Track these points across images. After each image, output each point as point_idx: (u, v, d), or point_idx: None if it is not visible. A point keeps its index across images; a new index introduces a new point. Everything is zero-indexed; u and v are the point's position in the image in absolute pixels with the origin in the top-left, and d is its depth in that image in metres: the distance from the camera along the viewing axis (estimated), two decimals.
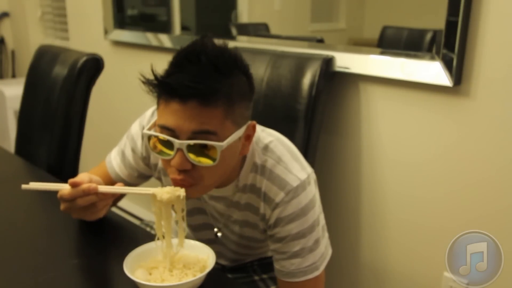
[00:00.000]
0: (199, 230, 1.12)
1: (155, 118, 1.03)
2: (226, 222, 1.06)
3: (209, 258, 0.91)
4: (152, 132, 0.87)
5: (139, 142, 1.07)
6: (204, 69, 0.82)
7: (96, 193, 0.89)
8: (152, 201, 0.88)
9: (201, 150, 0.84)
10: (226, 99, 0.83)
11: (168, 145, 0.85)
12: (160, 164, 1.07)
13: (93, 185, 0.89)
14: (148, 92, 0.86)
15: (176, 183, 0.88)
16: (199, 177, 0.87)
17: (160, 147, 0.87)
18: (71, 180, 0.89)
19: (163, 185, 1.10)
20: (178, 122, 0.83)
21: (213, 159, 0.84)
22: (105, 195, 0.91)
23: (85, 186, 0.88)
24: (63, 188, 0.91)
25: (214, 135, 0.83)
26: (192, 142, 0.83)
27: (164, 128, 0.85)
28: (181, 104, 0.82)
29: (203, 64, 0.82)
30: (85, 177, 0.91)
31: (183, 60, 0.84)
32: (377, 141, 1.47)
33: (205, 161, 0.85)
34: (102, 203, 0.93)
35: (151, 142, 0.88)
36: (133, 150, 1.09)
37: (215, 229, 1.09)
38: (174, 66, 0.84)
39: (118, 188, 0.91)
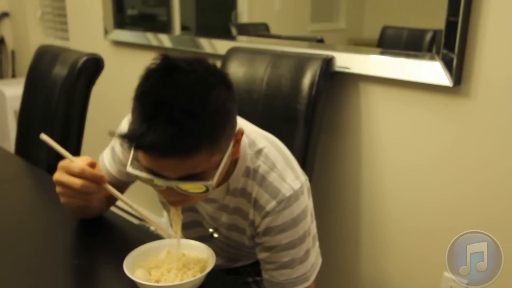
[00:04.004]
0: (188, 227, 1.10)
1: None
2: (215, 224, 1.05)
3: (209, 258, 0.91)
4: (137, 173, 0.81)
5: None
6: (180, 124, 0.72)
7: (100, 184, 0.89)
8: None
9: (192, 184, 0.81)
10: (208, 141, 0.76)
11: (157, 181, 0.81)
12: None
13: (106, 177, 0.89)
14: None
15: (170, 204, 0.87)
16: (192, 197, 0.85)
17: (149, 181, 0.83)
18: (89, 161, 0.88)
19: None
20: (162, 169, 0.78)
21: (206, 190, 0.81)
22: (103, 192, 0.91)
23: (99, 173, 0.88)
24: (72, 159, 0.89)
25: (203, 173, 0.79)
26: (181, 183, 0.79)
27: (148, 169, 0.80)
28: (159, 158, 0.76)
29: (178, 119, 0.72)
30: (91, 159, 0.91)
31: (153, 113, 0.73)
32: (377, 141, 1.47)
33: (197, 191, 0.82)
34: (96, 197, 0.92)
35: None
36: (122, 145, 1.06)
37: (210, 230, 1.08)
38: (144, 119, 0.74)
39: (127, 200, 0.90)
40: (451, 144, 1.32)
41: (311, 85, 1.39)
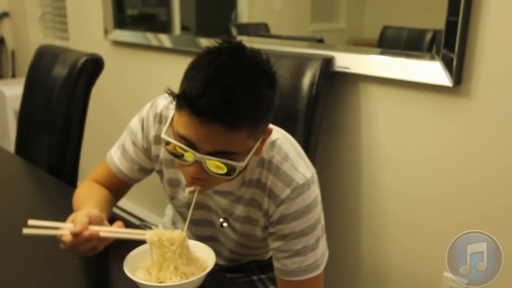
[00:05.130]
0: (199, 225, 1.12)
1: (154, 109, 1.05)
2: (228, 218, 1.06)
3: (209, 258, 0.91)
4: (171, 140, 0.85)
5: (139, 135, 1.07)
6: (236, 95, 0.78)
7: (98, 237, 0.87)
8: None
9: (220, 165, 0.84)
10: (252, 121, 0.82)
11: (187, 152, 0.84)
12: (161, 155, 1.07)
13: (95, 230, 0.86)
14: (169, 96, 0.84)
15: (189, 184, 0.90)
16: (214, 180, 0.89)
17: (177, 152, 0.86)
18: (72, 231, 0.84)
19: (163, 178, 1.10)
20: (200, 139, 0.81)
21: (231, 173, 0.85)
22: (106, 238, 0.89)
23: (86, 233, 0.85)
24: (64, 231, 0.86)
25: (235, 154, 0.84)
26: (212, 159, 0.83)
27: (183, 138, 0.83)
28: (205, 124, 0.79)
29: (236, 89, 0.78)
30: (83, 218, 0.87)
31: (213, 79, 0.79)
32: (377, 141, 1.47)
33: (222, 173, 0.85)
34: (102, 245, 0.90)
35: (168, 146, 0.87)
36: (134, 143, 1.08)
37: (221, 219, 1.08)
38: (203, 84, 0.79)
39: (118, 230, 0.89)
40: (451, 144, 1.32)
41: (311, 85, 1.39)
